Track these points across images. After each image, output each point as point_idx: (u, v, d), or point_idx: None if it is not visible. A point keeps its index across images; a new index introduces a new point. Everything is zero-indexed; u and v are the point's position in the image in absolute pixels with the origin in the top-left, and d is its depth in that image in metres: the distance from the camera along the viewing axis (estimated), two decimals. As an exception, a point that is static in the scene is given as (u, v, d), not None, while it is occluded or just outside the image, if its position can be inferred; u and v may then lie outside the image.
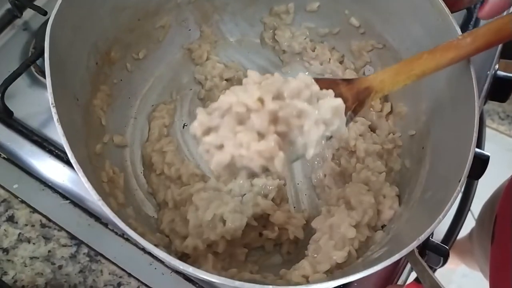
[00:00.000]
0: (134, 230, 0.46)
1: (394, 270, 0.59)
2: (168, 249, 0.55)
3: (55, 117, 0.41)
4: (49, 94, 0.42)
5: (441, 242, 0.81)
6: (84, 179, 0.40)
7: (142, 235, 0.44)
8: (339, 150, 0.65)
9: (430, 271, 0.43)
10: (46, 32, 0.45)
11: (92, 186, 0.40)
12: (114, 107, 0.62)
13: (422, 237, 0.41)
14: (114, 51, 0.60)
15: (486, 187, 0.95)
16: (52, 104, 0.42)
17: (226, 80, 0.70)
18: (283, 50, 0.72)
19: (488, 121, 1.87)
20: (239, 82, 0.70)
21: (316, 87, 0.42)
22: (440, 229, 0.93)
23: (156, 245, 0.40)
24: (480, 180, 0.74)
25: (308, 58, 0.71)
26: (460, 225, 0.85)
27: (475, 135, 0.47)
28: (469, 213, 0.94)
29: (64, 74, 0.48)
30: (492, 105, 1.91)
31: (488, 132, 1.02)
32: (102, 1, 0.54)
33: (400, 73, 0.49)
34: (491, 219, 0.89)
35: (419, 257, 0.44)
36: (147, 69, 0.67)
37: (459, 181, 0.44)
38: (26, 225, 0.61)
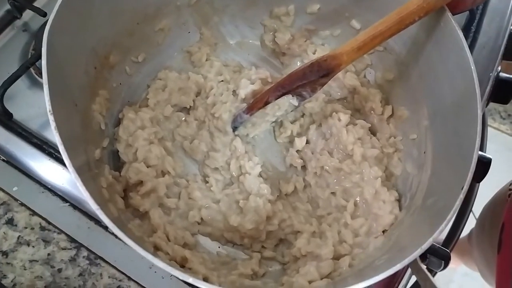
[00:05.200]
0: (133, 234, 0.46)
1: (395, 276, 0.58)
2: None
3: (53, 124, 0.41)
4: (46, 102, 0.42)
5: (442, 244, 0.81)
6: (82, 189, 0.40)
7: (140, 240, 0.44)
8: (337, 153, 0.64)
9: (432, 279, 0.43)
10: (43, 39, 0.44)
11: (91, 195, 0.39)
12: (114, 111, 0.62)
13: (425, 246, 0.40)
14: (113, 55, 0.59)
15: (487, 187, 0.94)
16: (49, 111, 0.42)
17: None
18: (283, 53, 0.72)
19: (489, 121, 1.87)
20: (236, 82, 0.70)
21: None
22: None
23: (154, 254, 0.40)
24: (480, 179, 0.74)
25: (309, 60, 0.70)
26: (462, 227, 0.85)
27: (478, 140, 0.46)
28: (471, 214, 0.93)
29: (62, 79, 0.48)
30: (493, 104, 1.89)
31: (489, 131, 1.01)
32: (100, 5, 0.54)
33: (364, 47, 0.54)
34: (491, 223, 0.89)
35: (422, 266, 0.44)
36: (146, 72, 0.67)
37: (462, 189, 0.43)
38: (26, 228, 0.61)
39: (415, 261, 0.43)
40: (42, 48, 0.44)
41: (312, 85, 0.58)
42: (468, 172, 0.44)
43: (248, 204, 0.60)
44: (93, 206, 0.39)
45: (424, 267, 0.43)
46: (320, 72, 0.56)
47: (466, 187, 0.43)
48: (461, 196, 0.43)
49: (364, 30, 0.54)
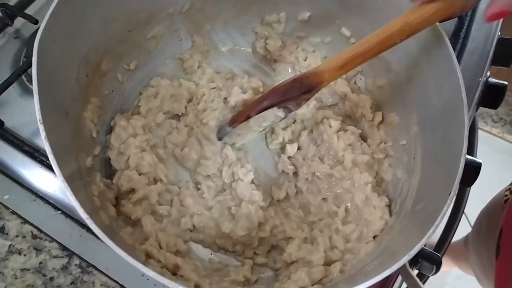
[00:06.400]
0: (124, 242, 0.46)
1: (386, 281, 0.58)
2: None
3: (43, 134, 0.41)
4: (36, 111, 0.42)
5: (434, 248, 0.81)
6: (72, 198, 0.39)
7: (132, 248, 0.43)
8: (328, 159, 0.65)
9: (421, 285, 0.43)
10: (34, 47, 0.44)
11: (81, 204, 0.39)
12: (105, 119, 0.61)
13: (413, 252, 0.41)
14: (105, 62, 0.59)
15: (479, 189, 0.95)
16: (39, 121, 0.41)
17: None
18: (274, 59, 0.72)
19: (481, 124, 1.88)
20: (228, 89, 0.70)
21: None
22: (433, 235, 0.93)
23: (145, 262, 0.40)
24: (472, 181, 0.74)
25: (300, 67, 0.71)
26: (454, 231, 0.85)
27: (464, 146, 0.47)
28: (463, 216, 0.94)
29: (54, 87, 0.48)
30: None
31: (481, 134, 1.02)
32: (92, 13, 0.54)
33: (345, 66, 0.53)
34: (488, 229, 0.89)
35: (411, 271, 0.44)
36: (138, 79, 0.67)
37: (449, 195, 0.44)
38: (17, 236, 0.60)
39: (404, 267, 0.44)
40: (33, 57, 0.44)
41: (295, 100, 0.57)
42: (455, 178, 0.45)
43: (240, 211, 0.60)
44: (82, 215, 0.39)
45: (413, 272, 0.44)
46: (302, 89, 0.55)
47: (453, 193, 0.43)
48: (448, 202, 0.43)
49: (348, 47, 0.54)
